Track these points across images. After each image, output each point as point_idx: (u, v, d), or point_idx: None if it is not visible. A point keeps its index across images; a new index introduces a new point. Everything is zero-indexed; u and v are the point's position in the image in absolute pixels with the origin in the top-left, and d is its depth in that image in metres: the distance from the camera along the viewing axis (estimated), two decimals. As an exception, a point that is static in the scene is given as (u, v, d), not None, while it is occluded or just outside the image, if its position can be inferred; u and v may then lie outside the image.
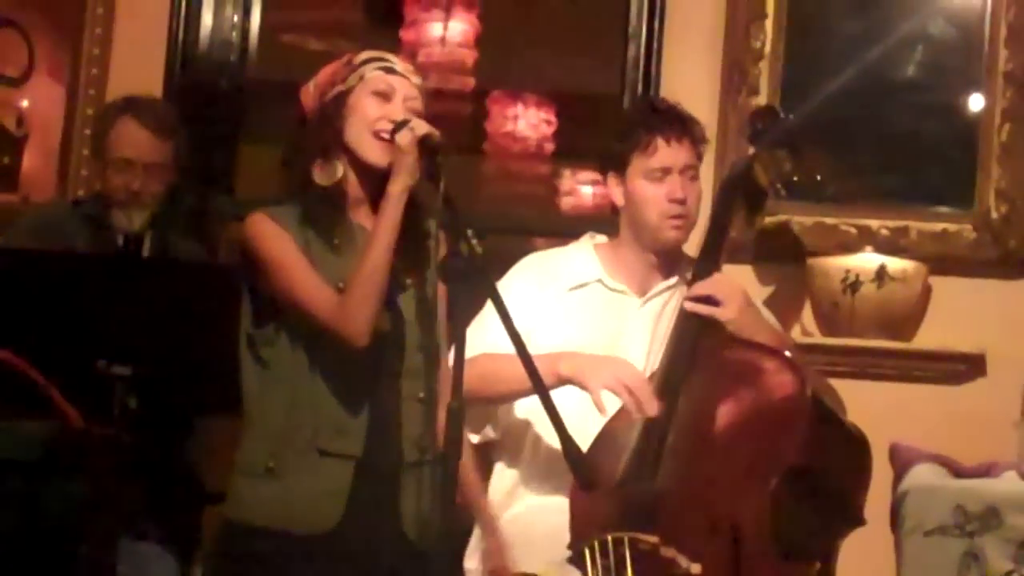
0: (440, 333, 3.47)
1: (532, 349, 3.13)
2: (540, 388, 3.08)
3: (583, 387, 3.44)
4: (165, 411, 4.00)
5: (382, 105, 3.38)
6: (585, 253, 3.79)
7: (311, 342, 3.34)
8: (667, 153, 3.67)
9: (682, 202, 3.67)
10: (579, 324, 3.67)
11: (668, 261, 3.75)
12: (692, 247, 3.75)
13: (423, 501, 3.38)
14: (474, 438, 3.67)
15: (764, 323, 3.67)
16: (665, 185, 3.66)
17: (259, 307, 3.40)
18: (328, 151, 3.38)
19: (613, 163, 3.75)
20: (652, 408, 3.39)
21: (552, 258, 3.80)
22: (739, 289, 3.61)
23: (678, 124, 3.70)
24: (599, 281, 3.74)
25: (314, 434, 3.33)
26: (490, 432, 3.72)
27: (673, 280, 3.74)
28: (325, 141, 3.38)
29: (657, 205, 3.67)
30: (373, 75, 3.39)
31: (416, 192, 3.33)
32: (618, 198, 3.75)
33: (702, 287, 3.58)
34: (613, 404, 3.47)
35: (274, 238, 3.35)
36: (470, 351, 3.55)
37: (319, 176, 3.37)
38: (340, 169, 3.37)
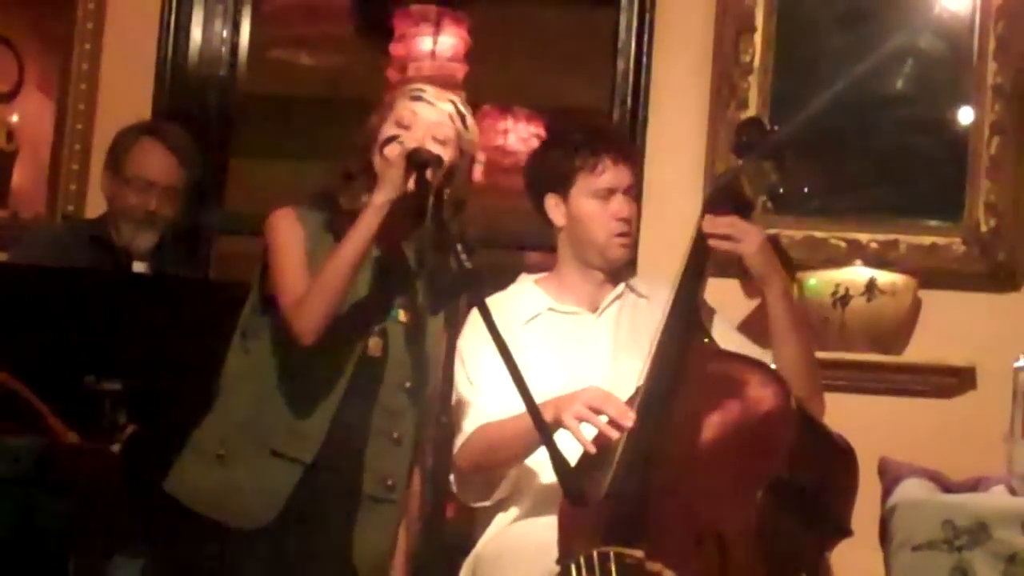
0: (431, 376, 3.47)
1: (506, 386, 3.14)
2: (543, 430, 3.11)
3: (564, 427, 3.43)
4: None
5: (400, 131, 3.43)
6: (528, 288, 3.86)
7: (290, 341, 3.37)
8: (613, 174, 3.77)
9: (627, 220, 3.77)
10: (540, 353, 3.68)
11: (613, 273, 3.83)
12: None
13: (378, 537, 3.41)
14: (486, 503, 3.70)
15: (778, 264, 3.73)
16: (611, 204, 3.76)
17: (261, 296, 3.44)
18: (369, 177, 3.43)
19: (554, 183, 3.81)
20: (627, 420, 3.40)
21: (499, 300, 3.78)
22: (756, 228, 3.69)
23: (623, 146, 3.88)
24: (550, 309, 3.80)
25: (270, 432, 3.36)
26: (501, 494, 3.72)
27: (620, 288, 3.82)
28: (362, 167, 3.43)
29: (604, 224, 3.76)
30: (399, 103, 3.45)
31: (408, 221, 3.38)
32: (558, 218, 3.81)
33: (720, 224, 3.65)
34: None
35: (286, 229, 3.42)
36: (467, 424, 3.60)
37: (344, 200, 3.42)
38: (363, 196, 3.40)
